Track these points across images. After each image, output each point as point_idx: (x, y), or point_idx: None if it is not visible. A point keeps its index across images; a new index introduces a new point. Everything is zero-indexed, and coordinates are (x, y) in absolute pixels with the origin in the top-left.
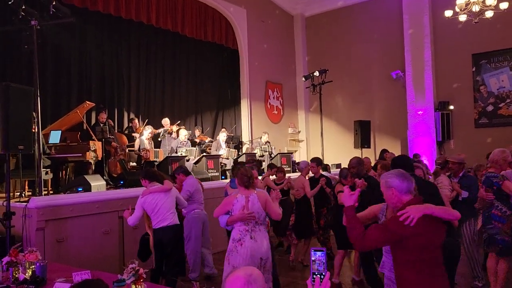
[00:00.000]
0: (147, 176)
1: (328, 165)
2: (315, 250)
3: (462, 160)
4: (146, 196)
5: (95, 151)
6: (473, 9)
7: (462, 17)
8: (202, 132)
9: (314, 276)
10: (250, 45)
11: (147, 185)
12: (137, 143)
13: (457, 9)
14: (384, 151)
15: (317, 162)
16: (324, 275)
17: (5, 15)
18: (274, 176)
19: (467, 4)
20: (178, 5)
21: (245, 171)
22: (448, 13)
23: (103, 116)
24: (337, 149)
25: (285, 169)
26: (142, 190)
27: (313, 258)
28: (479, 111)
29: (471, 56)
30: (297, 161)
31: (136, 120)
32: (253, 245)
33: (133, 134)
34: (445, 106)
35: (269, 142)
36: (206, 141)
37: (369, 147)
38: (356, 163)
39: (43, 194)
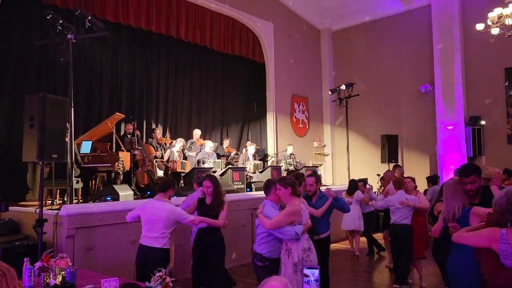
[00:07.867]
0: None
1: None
2: (309, 268)
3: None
4: None
5: (123, 162)
6: (506, 22)
7: (495, 31)
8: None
9: None
10: (276, 59)
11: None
12: (167, 154)
13: (489, 22)
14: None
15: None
16: None
17: (43, 29)
18: None
19: (499, 17)
20: (207, 20)
21: (295, 181)
22: (480, 27)
23: (130, 127)
24: (363, 164)
25: None
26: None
27: (311, 279)
28: None
29: (504, 70)
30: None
31: (158, 131)
32: (315, 252)
33: (153, 143)
34: (476, 121)
35: (294, 155)
36: (232, 153)
37: (396, 161)
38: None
39: (73, 202)
